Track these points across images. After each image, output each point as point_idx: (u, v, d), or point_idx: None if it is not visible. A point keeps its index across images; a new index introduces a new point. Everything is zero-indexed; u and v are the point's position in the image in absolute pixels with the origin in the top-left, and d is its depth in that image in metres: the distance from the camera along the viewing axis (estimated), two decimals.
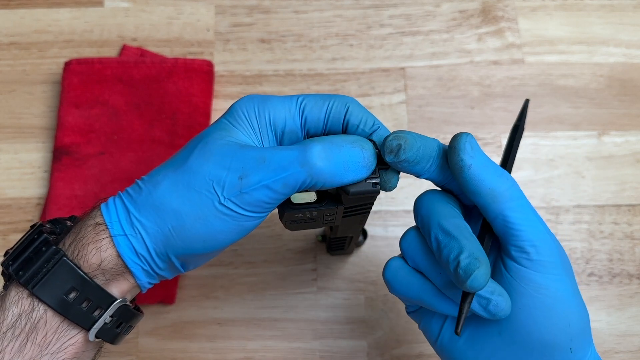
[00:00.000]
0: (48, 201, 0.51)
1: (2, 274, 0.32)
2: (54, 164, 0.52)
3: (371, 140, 0.31)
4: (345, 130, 0.32)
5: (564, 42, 0.57)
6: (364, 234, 0.51)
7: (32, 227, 0.32)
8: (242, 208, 0.29)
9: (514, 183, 0.30)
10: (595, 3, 0.59)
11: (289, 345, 0.49)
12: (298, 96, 0.32)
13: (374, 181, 0.31)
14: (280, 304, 0.50)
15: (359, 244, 0.51)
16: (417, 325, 0.36)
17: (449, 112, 0.55)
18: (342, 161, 0.29)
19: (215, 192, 0.29)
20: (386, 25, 0.58)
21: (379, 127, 0.32)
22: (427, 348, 0.49)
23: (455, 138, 0.30)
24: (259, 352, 0.49)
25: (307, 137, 0.32)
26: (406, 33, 0.58)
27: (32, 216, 0.52)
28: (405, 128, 0.54)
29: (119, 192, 0.32)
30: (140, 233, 0.30)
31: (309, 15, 0.58)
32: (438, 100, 0.55)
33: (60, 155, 0.52)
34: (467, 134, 0.30)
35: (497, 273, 0.31)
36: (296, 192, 0.30)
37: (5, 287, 0.31)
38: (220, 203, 0.29)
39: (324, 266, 0.51)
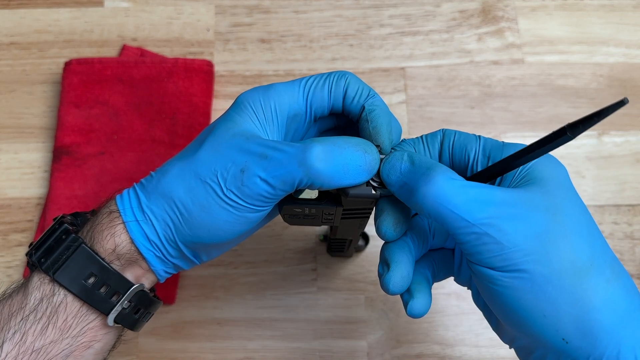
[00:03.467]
0: (48, 201, 0.51)
1: (27, 264, 0.34)
2: (54, 164, 0.52)
3: (376, 145, 0.31)
4: (343, 102, 0.32)
5: (563, 42, 0.57)
6: (366, 239, 0.51)
7: (54, 219, 0.34)
8: (243, 200, 0.30)
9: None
10: (595, 3, 0.59)
11: (289, 345, 0.49)
12: (300, 80, 0.33)
13: (375, 186, 0.31)
14: (280, 304, 0.50)
15: (359, 249, 0.51)
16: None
17: (449, 112, 0.55)
18: (342, 163, 0.29)
19: (219, 182, 0.30)
20: (386, 25, 0.58)
21: (374, 95, 0.32)
22: (427, 348, 0.49)
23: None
24: (259, 352, 0.49)
25: (314, 118, 0.33)
26: (406, 33, 0.58)
27: (32, 216, 0.52)
28: (405, 128, 0.54)
29: (134, 183, 0.33)
30: (150, 219, 0.31)
31: (309, 15, 0.58)
32: (438, 100, 0.56)
33: (60, 155, 0.52)
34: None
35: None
36: (295, 190, 0.30)
37: (30, 275, 0.33)
38: (223, 193, 0.30)
39: (324, 266, 0.51)
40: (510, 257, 0.26)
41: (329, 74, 0.33)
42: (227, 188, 0.30)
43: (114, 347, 0.35)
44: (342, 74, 0.33)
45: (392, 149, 0.32)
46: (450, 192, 0.27)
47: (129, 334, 0.36)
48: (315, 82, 0.32)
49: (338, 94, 0.32)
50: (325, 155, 0.29)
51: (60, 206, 0.50)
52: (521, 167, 0.29)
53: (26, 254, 0.33)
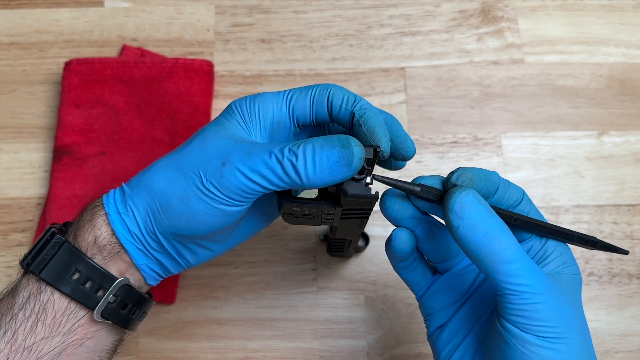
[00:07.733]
0: (48, 201, 0.51)
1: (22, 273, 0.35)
2: (54, 164, 0.52)
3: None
4: (330, 111, 0.33)
5: (563, 42, 0.57)
6: (366, 240, 0.51)
7: (46, 229, 0.34)
8: (222, 193, 0.30)
9: (508, 245, 0.28)
10: (595, 3, 0.59)
11: (289, 345, 0.49)
12: (285, 90, 0.34)
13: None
14: (280, 304, 0.50)
15: (359, 249, 0.51)
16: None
17: (448, 112, 0.55)
18: (319, 161, 0.29)
19: (200, 174, 0.31)
20: (386, 25, 0.58)
21: (360, 100, 0.33)
22: (427, 348, 0.49)
23: (447, 195, 0.29)
24: (259, 351, 0.49)
25: (298, 126, 0.35)
26: (406, 33, 0.58)
27: (32, 216, 0.52)
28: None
29: (123, 182, 0.34)
30: (132, 210, 0.32)
31: (309, 15, 0.58)
32: (438, 100, 0.56)
33: (61, 155, 0.52)
34: (462, 190, 0.29)
35: (494, 330, 0.30)
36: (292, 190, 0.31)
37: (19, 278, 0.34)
38: (202, 184, 0.30)
39: (324, 266, 0.51)
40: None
41: (313, 85, 0.34)
42: (207, 179, 0.30)
43: (115, 351, 0.35)
44: (325, 85, 0.34)
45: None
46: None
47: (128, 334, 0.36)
48: (298, 92, 0.34)
49: (321, 103, 0.33)
50: (302, 154, 0.29)
51: (60, 206, 0.51)
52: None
53: (19, 262, 0.33)
